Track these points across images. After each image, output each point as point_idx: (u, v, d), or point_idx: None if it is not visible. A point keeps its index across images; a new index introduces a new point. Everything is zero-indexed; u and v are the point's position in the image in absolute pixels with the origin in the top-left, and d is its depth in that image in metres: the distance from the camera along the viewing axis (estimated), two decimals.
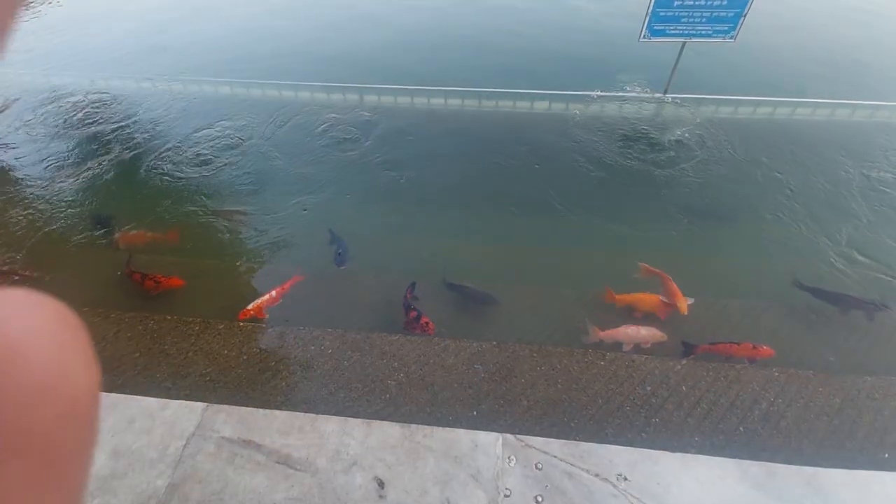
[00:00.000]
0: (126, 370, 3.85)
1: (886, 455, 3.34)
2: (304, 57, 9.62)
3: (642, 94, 7.62)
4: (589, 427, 3.43)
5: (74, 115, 7.82)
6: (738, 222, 5.69)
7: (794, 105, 7.30)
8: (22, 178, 6.60)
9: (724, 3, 6.38)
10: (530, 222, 5.84)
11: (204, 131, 7.32)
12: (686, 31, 6.70)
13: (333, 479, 2.84)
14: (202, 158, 6.80)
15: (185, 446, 3.02)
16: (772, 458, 3.09)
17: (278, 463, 2.93)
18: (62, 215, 5.86)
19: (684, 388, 3.63)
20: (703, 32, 6.67)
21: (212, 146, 7.02)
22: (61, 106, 8.08)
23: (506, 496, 2.75)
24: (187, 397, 3.49)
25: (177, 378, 3.82)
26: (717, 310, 4.59)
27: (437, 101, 7.84)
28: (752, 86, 7.79)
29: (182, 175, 6.51)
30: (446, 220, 5.90)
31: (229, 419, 3.17)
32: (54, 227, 5.71)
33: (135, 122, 7.68)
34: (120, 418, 3.24)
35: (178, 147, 7.03)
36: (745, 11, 6.38)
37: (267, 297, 4.49)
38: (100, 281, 5.05)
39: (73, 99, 8.23)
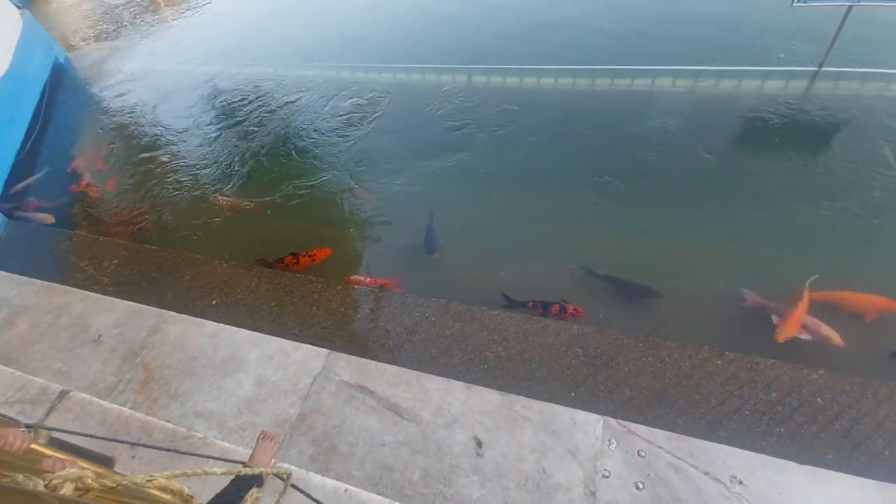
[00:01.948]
0: (264, 315, 4.49)
1: None
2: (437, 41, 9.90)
3: (793, 68, 6.62)
4: (699, 426, 3.22)
5: (225, 98, 9.08)
6: None
7: None
8: (182, 151, 7.86)
9: None
10: (660, 211, 5.46)
11: (327, 113, 8.03)
12: None
13: (436, 432, 3.07)
14: (327, 138, 7.48)
15: (311, 384, 3.48)
16: None
17: (388, 409, 3.24)
18: (211, 180, 6.88)
19: (820, 400, 3.22)
20: None
21: (334, 127, 7.68)
22: (215, 91, 9.43)
23: (604, 476, 2.74)
24: (313, 343, 3.98)
25: (303, 327, 4.36)
26: None
27: (548, 81, 7.64)
28: None
29: (308, 151, 7.25)
30: (572, 207, 5.75)
31: (347, 366, 3.57)
32: (205, 191, 6.74)
33: (273, 103, 8.68)
34: (262, 354, 3.82)
35: (309, 125, 7.82)
36: None
37: (369, 279, 4.92)
38: (241, 240, 5.88)
39: (223, 84, 9.55)
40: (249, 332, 4.02)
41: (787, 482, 2.59)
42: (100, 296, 4.64)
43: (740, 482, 2.63)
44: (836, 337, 3.66)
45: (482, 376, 3.78)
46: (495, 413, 3.14)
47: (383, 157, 6.86)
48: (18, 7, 9.29)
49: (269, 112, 8.40)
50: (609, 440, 2.89)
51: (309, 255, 5.16)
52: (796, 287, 4.13)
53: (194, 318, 4.26)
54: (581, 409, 3.20)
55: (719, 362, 3.55)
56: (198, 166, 7.28)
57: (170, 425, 3.08)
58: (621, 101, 7.03)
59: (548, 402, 3.29)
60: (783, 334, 3.74)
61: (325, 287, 4.75)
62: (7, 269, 5.09)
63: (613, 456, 2.82)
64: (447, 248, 5.21)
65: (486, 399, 3.22)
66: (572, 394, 3.57)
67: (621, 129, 6.48)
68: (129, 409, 3.46)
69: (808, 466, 2.69)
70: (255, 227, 5.99)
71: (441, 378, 3.40)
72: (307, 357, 3.67)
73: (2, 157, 6.86)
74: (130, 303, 4.46)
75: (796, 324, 3.78)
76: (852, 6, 5.89)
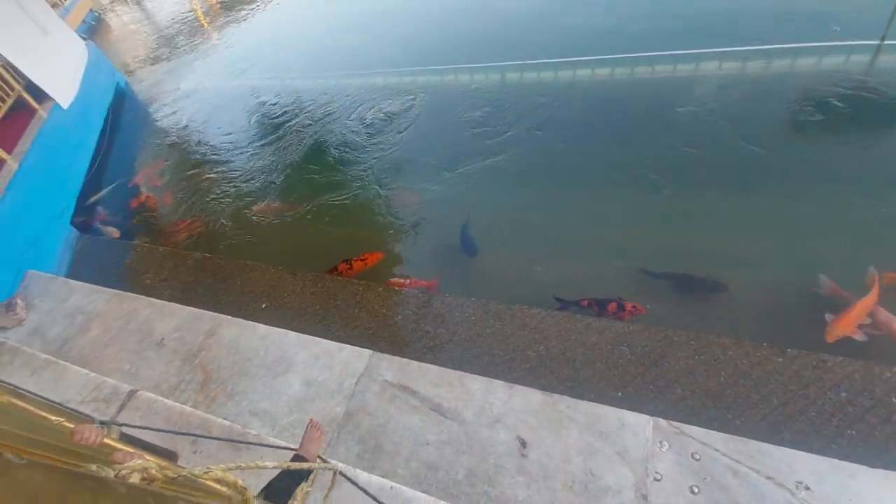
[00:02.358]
0: (309, 318, 4.66)
1: None
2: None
3: (850, 43, 6.12)
4: (759, 427, 3.04)
5: (267, 110, 9.50)
6: None
7: None
8: (229, 162, 8.29)
9: None
10: (710, 203, 5.20)
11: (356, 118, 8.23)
12: None
13: (479, 432, 3.07)
14: (364, 143, 7.66)
15: (356, 383, 3.57)
16: None
17: (431, 409, 3.27)
18: (256, 189, 7.22)
19: (895, 399, 2.95)
20: None
21: (362, 131, 7.86)
22: (258, 103, 9.89)
23: (655, 479, 2.64)
24: (357, 344, 4.09)
25: (347, 328, 4.49)
26: None
27: (565, 74, 7.46)
28: None
29: (345, 157, 7.45)
30: (616, 202, 5.60)
31: (390, 366, 3.63)
32: (253, 200, 7.08)
33: (311, 113, 8.99)
34: (308, 355, 3.96)
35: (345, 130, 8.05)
36: None
37: (409, 281, 5.00)
38: (286, 246, 6.14)
39: (265, 97, 10.00)
40: (297, 334, 4.18)
41: (858, 487, 2.39)
42: (162, 301, 4.97)
43: (807, 488, 2.45)
44: None
45: (524, 376, 3.74)
46: (539, 413, 3.10)
47: (419, 160, 6.93)
48: (84, 39, 10.14)
49: (309, 122, 8.70)
50: (660, 442, 2.78)
51: (361, 260, 5.31)
52: (864, 281, 3.82)
53: (246, 322, 4.48)
54: (629, 409, 3.10)
55: (780, 360, 3.33)
56: (244, 177, 7.66)
57: (227, 422, 3.26)
58: (663, 89, 6.74)
59: (594, 402, 3.21)
60: (833, 334, 3.50)
61: (366, 289, 4.85)
62: (81, 279, 5.56)
63: (665, 458, 2.71)
64: (487, 249, 5.20)
65: (528, 399, 3.19)
66: (619, 394, 3.46)
67: (663, 118, 6.22)
68: (191, 407, 3.69)
69: (882, 470, 2.47)
70: (299, 234, 6.23)
71: (483, 378, 3.39)
72: (351, 358, 3.77)
73: (74, 177, 7.51)
74: (189, 308, 4.75)
75: (850, 324, 3.51)
76: None
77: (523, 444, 2.97)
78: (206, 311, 4.59)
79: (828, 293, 3.92)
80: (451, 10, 11.68)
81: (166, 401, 3.67)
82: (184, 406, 3.55)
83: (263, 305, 4.90)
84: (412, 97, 8.31)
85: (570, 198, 5.71)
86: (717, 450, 2.67)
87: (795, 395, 3.10)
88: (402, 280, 5.09)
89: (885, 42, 5.94)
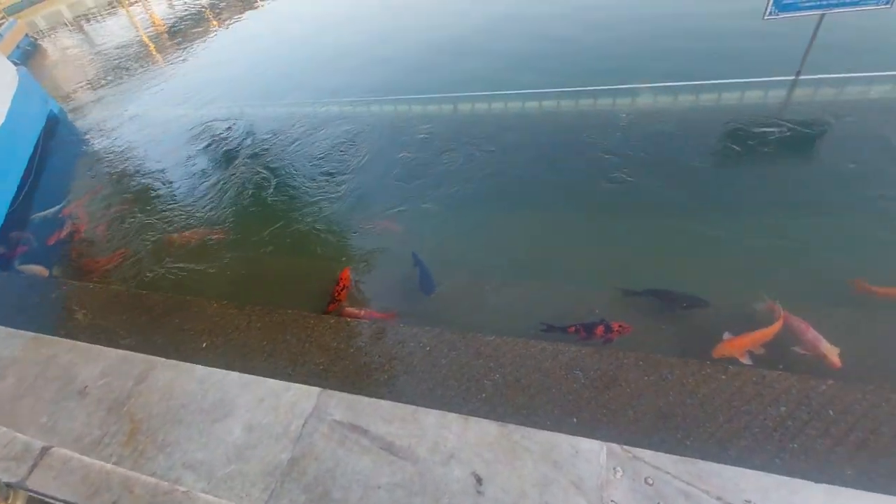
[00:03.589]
0: (255, 356, 4.38)
1: None
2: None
3: (771, 79, 6.74)
4: (707, 446, 3.07)
5: (214, 140, 9.22)
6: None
7: None
8: (171, 193, 7.92)
9: None
10: (651, 224, 5.44)
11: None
12: (825, 2, 5.80)
13: (433, 470, 2.93)
14: (315, 172, 7.55)
15: (303, 425, 3.35)
16: None
17: (382, 449, 3.10)
18: (199, 218, 6.91)
19: (831, 412, 3.09)
20: (848, 1, 5.71)
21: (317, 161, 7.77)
22: (204, 131, 9.58)
23: None
24: (305, 382, 3.87)
25: (296, 365, 4.24)
26: None
27: (531, 105, 7.77)
28: None
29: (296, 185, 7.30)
30: (570, 225, 5.74)
31: (340, 404, 3.45)
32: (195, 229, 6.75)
33: (255, 141, 8.80)
34: (252, 397, 3.70)
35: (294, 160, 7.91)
36: None
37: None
38: (232, 279, 5.84)
39: (213, 125, 9.72)
40: (240, 374, 3.92)
41: (802, 503, 2.45)
42: (87, 345, 4.54)
43: None
44: (834, 357, 3.51)
45: (480, 406, 3.64)
46: (494, 445, 3.01)
47: (370, 189, 6.91)
48: (16, 63, 9.55)
49: (257, 150, 8.52)
50: (614, 468, 2.75)
51: (342, 287, 5.21)
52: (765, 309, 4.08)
53: (183, 363, 4.16)
54: (584, 435, 3.07)
55: (724, 377, 3.43)
56: (187, 207, 7.32)
57: (153, 480, 2.94)
58: (604, 121, 7.12)
59: (549, 430, 3.16)
60: (719, 352, 3.70)
61: (318, 322, 4.65)
62: None
63: (620, 485, 2.68)
64: (443, 278, 5.15)
65: (484, 431, 3.10)
66: (574, 419, 3.43)
67: (603, 147, 6.54)
68: (114, 463, 3.33)
69: (825, 485, 2.55)
70: (248, 266, 5.97)
71: (437, 411, 3.28)
72: (299, 397, 3.55)
73: None
74: (118, 350, 4.36)
75: (738, 348, 3.71)
76: (824, 14, 6.04)
77: (479, 480, 2.86)
78: (137, 354, 4.23)
79: (766, 311, 4.11)
80: (401, 41, 11.99)
81: (84, 458, 3.29)
82: (104, 463, 3.19)
83: (203, 344, 4.57)
84: (362, 126, 8.34)
85: (519, 223, 5.83)
86: (668, 472, 2.67)
87: (739, 412, 3.19)
88: (358, 311, 4.94)
89: (800, 77, 6.58)
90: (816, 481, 2.58)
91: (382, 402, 3.41)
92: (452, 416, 3.22)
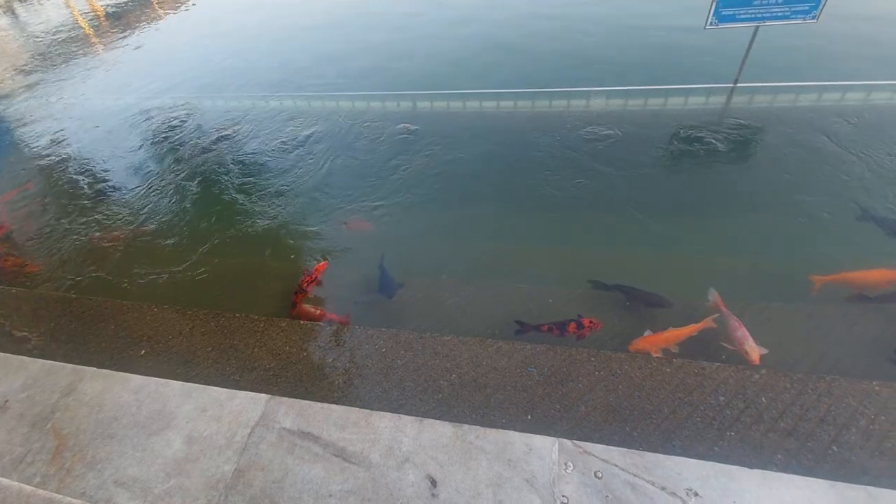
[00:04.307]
0: (199, 363, 4.14)
1: None
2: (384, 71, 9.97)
3: (710, 86, 7.12)
4: (654, 437, 3.19)
5: (158, 130, 8.67)
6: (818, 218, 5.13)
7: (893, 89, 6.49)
8: (107, 187, 7.39)
9: None
10: (604, 221, 5.59)
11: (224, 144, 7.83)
12: (759, 15, 6.18)
13: (386, 475, 2.87)
14: (265, 168, 7.26)
15: (249, 435, 3.19)
16: (875, 482, 2.71)
17: (334, 455, 3.01)
18: (139, 217, 6.49)
19: (764, 399, 3.28)
20: (780, 14, 6.12)
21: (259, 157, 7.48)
22: (148, 122, 9.00)
23: (562, 503, 2.63)
24: (253, 389, 3.70)
25: (244, 371, 4.05)
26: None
27: (489, 105, 7.82)
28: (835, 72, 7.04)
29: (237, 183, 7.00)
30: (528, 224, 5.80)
31: (290, 411, 3.31)
32: (137, 229, 6.34)
33: (203, 135, 8.37)
34: (194, 407, 3.49)
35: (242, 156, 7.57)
36: None
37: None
38: (176, 280, 5.51)
39: (157, 116, 9.15)
40: (181, 383, 3.69)
41: (739, 489, 2.58)
42: (8, 355, 4.14)
43: (696, 494, 2.59)
44: (754, 355, 3.68)
45: (436, 407, 3.61)
46: (449, 447, 2.98)
47: (326, 186, 6.72)
48: None
49: (206, 144, 8.09)
50: (565, 464, 2.80)
51: (312, 279, 5.12)
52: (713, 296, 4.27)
53: (116, 373, 3.87)
54: (538, 432, 3.11)
55: (668, 370, 3.57)
56: (126, 205, 6.84)
57: (77, 502, 2.71)
58: (558, 121, 7.28)
59: (503, 428, 3.17)
60: (635, 346, 3.88)
61: (268, 326, 4.47)
62: None
63: (571, 480, 2.72)
64: (403, 277, 5.07)
65: (438, 432, 3.06)
66: (529, 416, 3.46)
67: (556, 146, 6.69)
68: (37, 483, 3.04)
69: (759, 470, 2.70)
70: (195, 267, 5.64)
71: (391, 414, 3.21)
72: (245, 405, 3.38)
73: None
74: (43, 361, 4.00)
75: (652, 345, 3.88)
76: (759, 26, 6.44)
77: (433, 482, 2.82)
78: (64, 364, 3.90)
79: (713, 307, 4.30)
80: (357, 38, 11.77)
81: (2, 479, 2.98)
82: (23, 485, 2.91)
83: (142, 352, 4.27)
84: (318, 122, 8.12)
85: (475, 222, 5.85)
86: (616, 465, 2.74)
87: (682, 403, 3.33)
88: (313, 310, 4.79)
89: (737, 85, 6.99)
90: (751, 467, 2.73)
91: (335, 406, 3.31)
92: (407, 418, 3.17)
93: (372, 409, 3.30)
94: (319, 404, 3.33)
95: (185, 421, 3.34)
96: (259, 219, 6.31)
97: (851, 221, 5.02)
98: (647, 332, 4.03)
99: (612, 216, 5.59)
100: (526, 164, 6.48)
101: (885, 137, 5.92)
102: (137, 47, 13.46)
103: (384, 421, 3.15)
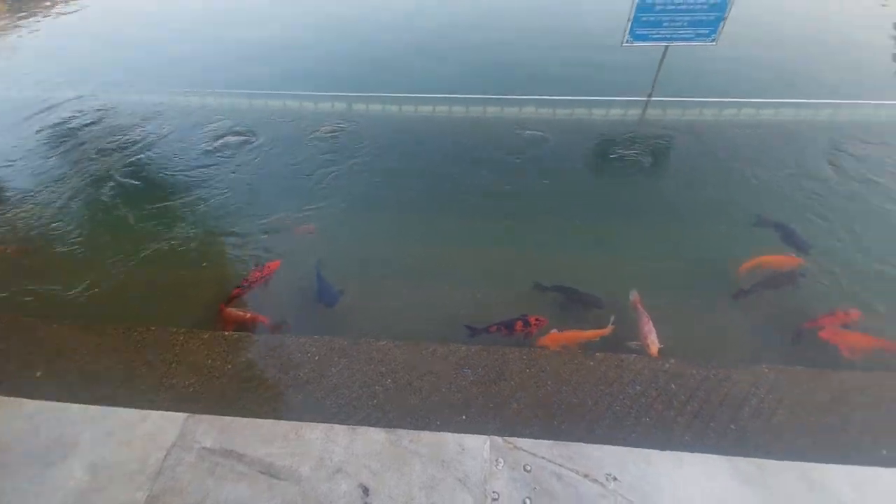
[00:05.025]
0: (108, 382, 3.76)
1: (885, 452, 3.29)
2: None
3: (628, 98, 7.70)
4: (579, 428, 3.37)
5: (67, 128, 7.81)
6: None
7: (777, 105, 7.40)
8: (21, 190, 6.55)
9: (705, 6, 6.49)
10: (530, 225, 5.80)
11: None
12: (668, 35, 6.80)
13: (317, 487, 2.78)
14: (188, 170, 6.79)
15: (165, 458, 2.95)
16: (764, 455, 3.05)
17: (261, 472, 2.87)
18: (43, 225, 5.81)
19: (673, 386, 3.59)
20: (685, 36, 6.77)
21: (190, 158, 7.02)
22: (55, 118, 8.07)
23: (493, 500, 2.70)
24: (170, 408, 3.43)
25: (160, 389, 3.74)
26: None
27: (425, 109, 7.89)
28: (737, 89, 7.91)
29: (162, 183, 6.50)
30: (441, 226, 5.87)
31: (211, 429, 3.11)
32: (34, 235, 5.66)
33: (120, 133, 7.67)
34: (100, 431, 3.17)
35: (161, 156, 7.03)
36: (726, 15, 6.49)
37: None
38: (82, 294, 4.98)
39: (65, 112, 8.23)
40: (83, 406, 3.33)
41: (653, 471, 2.80)
42: None
43: (615, 478, 2.78)
44: (654, 348, 3.97)
45: (371, 413, 3.56)
46: (382, 453, 2.95)
47: (260, 189, 6.43)
48: None
49: (123, 144, 7.42)
50: (496, 460, 2.88)
51: (259, 277, 4.91)
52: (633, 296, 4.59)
53: (6, 398, 3.42)
54: (471, 431, 3.17)
55: (591, 364, 3.80)
56: (23, 211, 6.09)
57: None
58: (493, 128, 7.51)
59: (438, 430, 3.20)
60: (541, 341, 4.11)
61: (188, 338, 4.16)
62: None
63: (501, 476, 2.80)
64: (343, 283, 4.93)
65: (372, 440, 3.03)
66: (463, 416, 3.52)
67: (490, 151, 6.91)
68: None
69: (670, 452, 2.95)
70: (105, 278, 5.13)
71: (323, 425, 3.12)
72: (159, 426, 3.12)
73: None
74: None
75: (554, 341, 4.12)
76: (668, 46, 7.07)
77: (366, 491, 2.78)
78: None
79: (632, 305, 4.61)
80: (286, 35, 11.39)
81: None
82: None
83: (38, 373, 3.81)
84: (245, 122, 7.74)
85: (413, 225, 5.87)
86: (543, 457, 2.87)
87: (604, 394, 3.55)
88: (241, 313, 4.57)
89: (651, 98, 7.61)
90: (663, 449, 2.97)
91: (262, 421, 3.16)
92: (340, 428, 3.10)
93: (302, 421, 3.18)
94: (245, 420, 3.16)
95: (90, 447, 3.02)
96: (178, 226, 5.87)
97: (749, 226, 5.62)
98: (553, 331, 4.22)
99: (543, 219, 5.85)
100: (460, 169, 6.61)
101: (771, 150, 6.72)
102: (40, 32, 12.05)
103: (315, 432, 3.05)
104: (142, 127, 7.84)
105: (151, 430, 3.09)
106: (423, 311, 4.80)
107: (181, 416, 3.18)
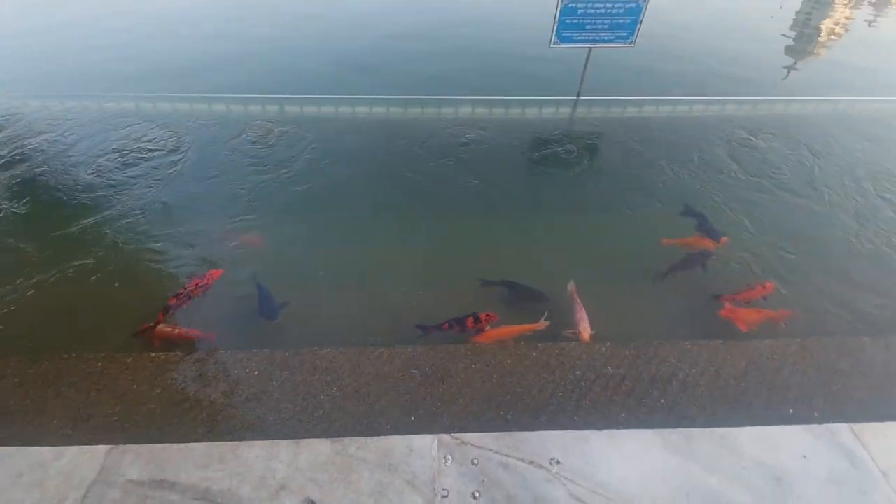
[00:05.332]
0: (12, 420, 3.37)
1: (791, 411, 3.67)
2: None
3: (558, 98, 8.04)
4: (524, 417, 3.48)
5: None
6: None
7: (690, 103, 8.05)
8: None
9: (622, 11, 6.92)
10: (459, 222, 5.89)
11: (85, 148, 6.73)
12: (591, 38, 7.17)
13: None
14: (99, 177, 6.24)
15: (84, 497, 2.69)
16: (690, 425, 3.31)
17: (196, 500, 2.69)
18: None
19: (609, 368, 3.80)
20: (606, 38, 7.18)
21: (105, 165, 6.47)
22: None
23: (443, 497, 2.72)
24: (90, 442, 3.13)
25: (77, 422, 3.40)
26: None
27: (362, 110, 7.78)
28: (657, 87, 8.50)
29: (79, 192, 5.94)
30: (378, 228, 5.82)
31: (138, 460, 2.88)
32: None
33: (21, 141, 6.90)
34: (5, 474, 2.83)
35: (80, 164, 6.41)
36: (640, 18, 6.95)
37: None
38: None
39: None
40: None
41: (592, 450, 2.95)
42: None
43: (558, 462, 2.89)
44: (585, 335, 4.20)
45: (317, 424, 3.46)
46: (328, 465, 2.88)
47: (179, 201, 6.04)
48: None
49: (28, 153, 6.67)
50: (445, 457, 2.90)
51: (198, 285, 4.66)
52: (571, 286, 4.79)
53: None
54: (420, 432, 3.16)
55: (535, 354, 3.93)
56: None
57: None
58: (430, 128, 7.55)
59: (387, 434, 3.17)
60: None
61: (108, 364, 3.83)
62: None
63: (450, 472, 2.83)
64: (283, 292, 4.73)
65: (316, 451, 2.94)
66: (412, 417, 3.51)
67: (424, 152, 6.95)
68: None
69: (607, 431, 3.12)
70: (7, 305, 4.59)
71: (263, 442, 2.99)
72: (76, 463, 2.85)
73: None
74: None
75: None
76: (591, 48, 7.46)
77: None
78: None
79: (569, 296, 4.80)
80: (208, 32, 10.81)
81: None
82: None
83: None
84: (173, 128, 7.25)
85: (351, 228, 5.78)
86: (490, 450, 2.93)
87: (547, 382, 3.69)
88: (170, 329, 4.30)
89: (580, 97, 7.99)
90: (600, 429, 3.13)
91: (196, 445, 2.97)
92: (282, 443, 2.98)
93: (241, 441, 3.03)
94: (176, 446, 2.95)
95: None
96: (90, 247, 5.37)
97: (672, 214, 6.04)
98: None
99: (482, 217, 5.97)
100: (399, 170, 6.59)
101: (688, 143, 7.30)
102: None
103: (254, 450, 2.92)
104: (46, 135, 7.10)
105: (68, 467, 2.81)
106: (367, 315, 4.74)
107: (102, 448, 2.92)
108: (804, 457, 2.99)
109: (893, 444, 3.11)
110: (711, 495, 2.77)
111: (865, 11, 14.92)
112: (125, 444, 3.03)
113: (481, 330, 4.37)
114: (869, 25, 13.59)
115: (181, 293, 4.62)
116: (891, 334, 4.36)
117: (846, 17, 13.78)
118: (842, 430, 3.17)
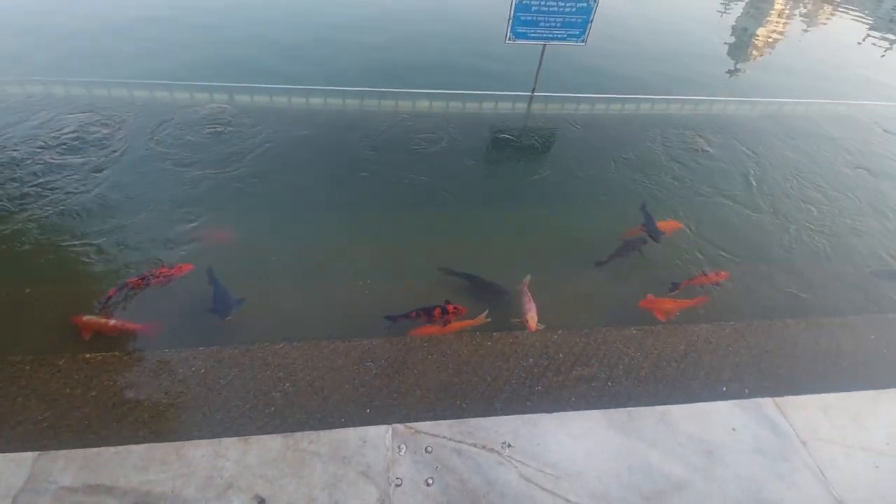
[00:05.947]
0: None
1: (724, 388, 3.94)
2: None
3: (514, 93, 8.17)
4: (479, 405, 3.55)
5: None
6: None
7: (638, 101, 8.41)
8: None
9: (574, 9, 7.11)
10: (413, 216, 5.89)
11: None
12: (544, 35, 7.33)
13: None
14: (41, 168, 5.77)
15: None
16: (634, 405, 3.49)
17: (136, 503, 2.57)
18: None
19: (561, 355, 3.94)
20: (559, 36, 7.36)
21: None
22: None
23: (397, 486, 2.73)
24: (18, 449, 2.90)
25: (3, 430, 3.15)
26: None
27: (316, 101, 7.60)
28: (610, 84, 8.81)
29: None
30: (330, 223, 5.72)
31: (70, 465, 2.70)
32: None
33: None
34: None
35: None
36: (591, 18, 7.18)
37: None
38: None
39: None
40: None
41: (542, 433, 3.05)
42: None
43: (509, 445, 2.97)
44: (532, 323, 4.27)
45: (269, 421, 3.38)
46: (279, 460, 2.82)
47: (116, 195, 5.68)
48: None
49: None
50: (399, 447, 2.91)
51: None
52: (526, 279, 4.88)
53: None
54: (377, 423, 3.15)
55: (489, 343, 4.01)
56: None
57: None
58: (387, 121, 7.48)
59: (341, 427, 3.13)
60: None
61: (37, 367, 3.57)
62: None
63: (404, 461, 2.84)
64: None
65: (266, 448, 2.87)
66: (367, 410, 3.50)
67: (386, 144, 6.90)
68: None
69: (556, 413, 3.23)
70: None
71: (208, 441, 2.89)
72: (0, 472, 2.64)
73: None
74: None
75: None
76: (545, 45, 7.63)
77: (262, 501, 2.63)
78: None
79: (523, 288, 4.87)
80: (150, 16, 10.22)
81: None
82: None
83: None
84: (110, 116, 6.79)
85: (310, 222, 5.66)
86: (444, 437, 2.97)
87: (501, 370, 3.78)
88: (102, 321, 4.09)
89: (535, 94, 8.16)
90: (550, 412, 3.24)
91: (135, 447, 2.82)
92: (229, 441, 2.89)
93: (185, 441, 2.91)
94: (113, 449, 2.80)
95: None
96: (22, 238, 4.97)
97: (622, 206, 6.30)
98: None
99: (439, 210, 5.99)
100: (356, 163, 6.49)
101: (634, 139, 7.62)
102: None
103: (200, 450, 2.81)
104: None
105: None
106: (322, 310, 4.67)
107: (30, 455, 2.72)
108: (733, 429, 3.23)
109: (811, 414, 3.41)
110: (651, 469, 2.94)
111: (798, 21, 16.13)
112: (55, 449, 2.83)
113: (448, 321, 4.39)
114: (802, 34, 14.72)
115: (144, 275, 4.51)
116: (810, 315, 4.77)
117: (781, 27, 14.87)
118: (767, 403, 3.44)
